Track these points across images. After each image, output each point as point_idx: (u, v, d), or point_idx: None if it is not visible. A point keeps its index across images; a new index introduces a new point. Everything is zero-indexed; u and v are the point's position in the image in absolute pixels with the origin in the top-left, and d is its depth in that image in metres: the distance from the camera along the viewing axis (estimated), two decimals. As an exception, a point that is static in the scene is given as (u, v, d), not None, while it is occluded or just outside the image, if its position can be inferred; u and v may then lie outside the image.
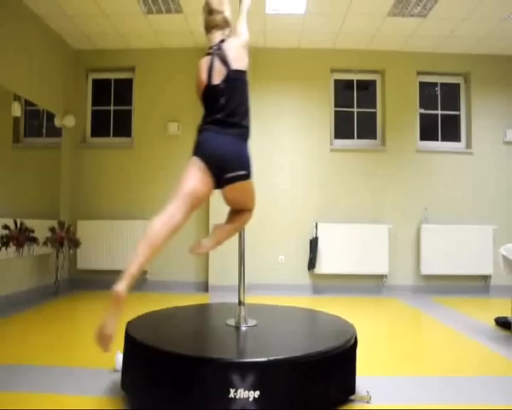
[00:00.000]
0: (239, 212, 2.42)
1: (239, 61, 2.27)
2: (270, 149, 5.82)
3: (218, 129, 2.22)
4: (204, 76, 2.26)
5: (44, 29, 5.25)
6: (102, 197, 5.91)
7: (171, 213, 2.08)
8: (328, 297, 5.42)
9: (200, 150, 2.21)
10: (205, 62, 2.29)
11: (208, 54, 2.31)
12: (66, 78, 5.80)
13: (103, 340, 1.86)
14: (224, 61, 2.24)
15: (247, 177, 2.22)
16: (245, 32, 2.43)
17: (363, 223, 5.74)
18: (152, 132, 5.97)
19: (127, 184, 5.92)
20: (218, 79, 2.23)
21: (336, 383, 2.14)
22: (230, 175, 2.16)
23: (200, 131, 2.30)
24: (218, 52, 2.27)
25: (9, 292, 4.50)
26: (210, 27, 2.39)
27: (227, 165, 2.15)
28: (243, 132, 2.26)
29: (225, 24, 2.38)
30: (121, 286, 1.95)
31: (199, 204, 2.18)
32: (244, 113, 2.27)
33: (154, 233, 2.07)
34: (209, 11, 2.37)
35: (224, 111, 2.22)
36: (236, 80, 2.25)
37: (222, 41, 2.33)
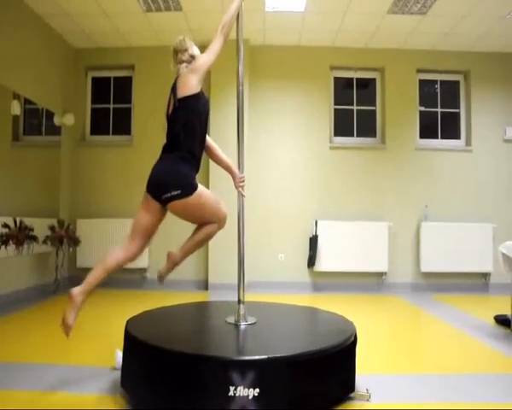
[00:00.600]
0: (200, 226, 2.58)
1: (183, 88, 2.50)
2: (270, 146, 5.81)
3: (161, 155, 2.56)
4: (165, 109, 2.60)
5: (44, 27, 5.24)
6: (102, 195, 5.90)
7: (128, 247, 2.48)
8: (328, 295, 5.43)
9: (147, 181, 2.50)
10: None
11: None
12: (65, 76, 5.79)
13: (65, 328, 2.31)
14: (174, 93, 2.53)
15: (183, 195, 2.38)
16: (212, 46, 2.57)
17: (362, 220, 5.74)
18: (151, 130, 5.95)
19: (127, 182, 5.91)
20: (170, 109, 2.56)
21: (336, 380, 2.14)
22: (164, 196, 2.40)
23: None
24: (173, 86, 2.56)
25: (9, 290, 4.50)
26: (178, 64, 2.66)
27: (161, 187, 2.41)
28: (182, 155, 2.48)
29: (191, 58, 2.62)
30: (77, 289, 2.32)
31: (155, 229, 2.59)
32: (186, 136, 2.51)
33: (111, 261, 2.41)
34: (175, 52, 2.68)
35: (168, 138, 2.58)
36: (179, 108, 2.51)
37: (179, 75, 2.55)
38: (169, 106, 2.57)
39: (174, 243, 5.77)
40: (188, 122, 2.51)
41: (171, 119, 2.56)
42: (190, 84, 2.49)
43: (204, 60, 2.53)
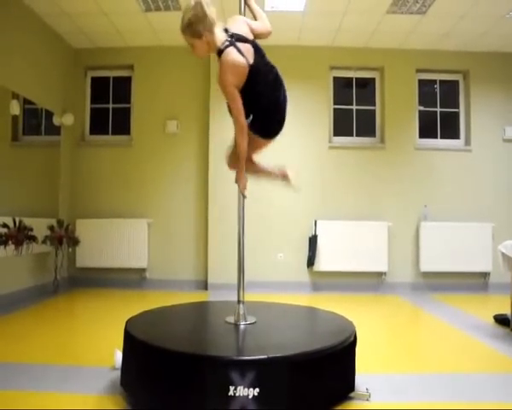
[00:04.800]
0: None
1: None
2: (269, 146, 5.79)
3: None
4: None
5: (43, 27, 5.24)
6: (101, 195, 5.90)
7: None
8: (328, 295, 5.43)
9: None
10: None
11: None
12: (64, 76, 5.79)
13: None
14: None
15: None
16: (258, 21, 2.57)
17: (362, 220, 5.74)
18: (151, 130, 5.96)
19: (126, 182, 5.91)
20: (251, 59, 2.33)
21: (336, 380, 2.14)
22: None
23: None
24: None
25: (8, 291, 4.49)
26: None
27: None
28: None
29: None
30: None
31: None
32: None
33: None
34: (201, 17, 2.24)
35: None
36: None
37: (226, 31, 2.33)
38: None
39: (174, 243, 5.80)
40: None
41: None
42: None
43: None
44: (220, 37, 2.28)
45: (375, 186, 5.89)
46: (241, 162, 2.49)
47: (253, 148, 2.61)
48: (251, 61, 2.30)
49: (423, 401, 2.23)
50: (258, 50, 2.37)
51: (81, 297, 5.14)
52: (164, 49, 5.98)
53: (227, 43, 2.27)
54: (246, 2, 2.66)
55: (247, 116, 2.40)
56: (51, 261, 5.22)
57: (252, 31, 2.41)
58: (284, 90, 2.60)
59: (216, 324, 2.67)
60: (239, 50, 2.26)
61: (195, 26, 2.23)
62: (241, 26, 2.37)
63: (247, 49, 2.30)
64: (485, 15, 4.99)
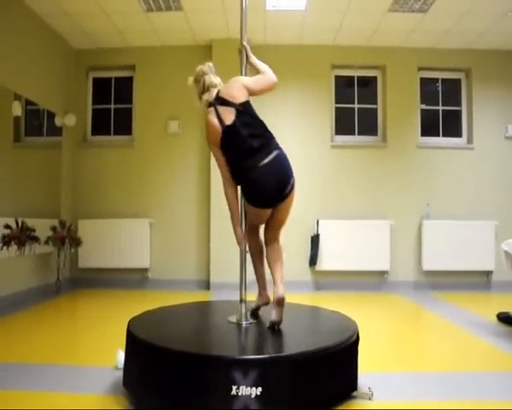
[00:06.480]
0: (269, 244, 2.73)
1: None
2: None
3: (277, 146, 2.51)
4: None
5: (44, 28, 5.24)
6: (103, 196, 5.91)
7: None
8: (330, 294, 5.42)
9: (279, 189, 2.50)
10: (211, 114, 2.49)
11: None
12: (66, 76, 5.80)
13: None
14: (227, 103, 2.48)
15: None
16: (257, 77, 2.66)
17: (364, 219, 5.73)
18: (152, 131, 5.96)
19: (128, 182, 5.92)
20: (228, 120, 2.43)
21: (338, 379, 2.14)
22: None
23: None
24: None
25: (11, 291, 4.50)
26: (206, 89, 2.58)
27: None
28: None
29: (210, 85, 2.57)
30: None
31: None
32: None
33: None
34: (197, 81, 2.61)
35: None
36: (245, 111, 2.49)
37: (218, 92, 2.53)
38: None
39: (176, 242, 5.80)
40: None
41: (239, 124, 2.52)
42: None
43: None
44: (208, 98, 2.53)
45: (377, 185, 5.88)
46: (233, 217, 2.58)
47: (253, 219, 2.62)
48: (227, 122, 2.42)
49: (426, 400, 2.22)
50: (241, 115, 2.44)
51: (83, 298, 5.15)
52: (165, 50, 5.98)
53: (209, 105, 2.51)
54: (247, 60, 2.74)
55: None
56: (53, 262, 5.23)
57: (250, 92, 2.56)
58: (262, 171, 2.39)
59: (218, 323, 2.67)
60: (217, 112, 2.45)
61: (195, 85, 2.61)
62: (231, 90, 2.52)
63: (227, 111, 2.44)
64: (487, 13, 4.97)
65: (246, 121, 2.44)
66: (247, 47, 2.73)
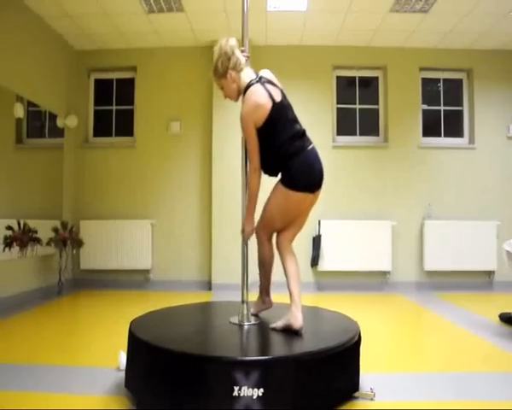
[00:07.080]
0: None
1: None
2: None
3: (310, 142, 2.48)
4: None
5: (46, 29, 5.25)
6: (105, 197, 5.91)
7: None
8: (332, 294, 5.42)
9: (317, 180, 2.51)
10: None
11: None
12: (68, 78, 5.80)
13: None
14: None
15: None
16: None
17: (366, 220, 5.73)
18: (154, 132, 5.97)
19: (130, 183, 5.92)
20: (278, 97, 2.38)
21: (340, 380, 2.14)
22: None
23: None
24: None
25: (13, 292, 4.51)
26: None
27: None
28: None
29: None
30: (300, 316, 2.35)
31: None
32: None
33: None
34: (230, 54, 2.41)
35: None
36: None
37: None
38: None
39: (178, 243, 5.80)
40: None
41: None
42: None
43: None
44: (248, 74, 2.42)
45: (378, 185, 5.88)
46: (251, 205, 2.47)
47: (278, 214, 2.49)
48: (277, 99, 2.36)
49: (428, 401, 2.22)
50: (285, 98, 2.44)
51: (85, 299, 5.15)
52: (167, 51, 5.99)
53: (254, 81, 2.38)
54: None
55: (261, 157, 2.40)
56: (55, 263, 5.24)
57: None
58: (311, 154, 2.43)
59: (220, 324, 2.66)
60: (266, 89, 2.35)
61: (220, 64, 2.39)
62: (272, 76, 2.48)
63: (275, 90, 2.39)
64: (489, 13, 4.97)
65: (289, 104, 2.44)
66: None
